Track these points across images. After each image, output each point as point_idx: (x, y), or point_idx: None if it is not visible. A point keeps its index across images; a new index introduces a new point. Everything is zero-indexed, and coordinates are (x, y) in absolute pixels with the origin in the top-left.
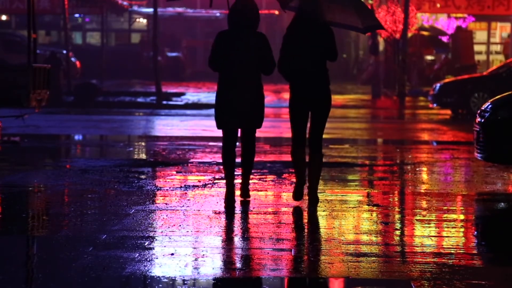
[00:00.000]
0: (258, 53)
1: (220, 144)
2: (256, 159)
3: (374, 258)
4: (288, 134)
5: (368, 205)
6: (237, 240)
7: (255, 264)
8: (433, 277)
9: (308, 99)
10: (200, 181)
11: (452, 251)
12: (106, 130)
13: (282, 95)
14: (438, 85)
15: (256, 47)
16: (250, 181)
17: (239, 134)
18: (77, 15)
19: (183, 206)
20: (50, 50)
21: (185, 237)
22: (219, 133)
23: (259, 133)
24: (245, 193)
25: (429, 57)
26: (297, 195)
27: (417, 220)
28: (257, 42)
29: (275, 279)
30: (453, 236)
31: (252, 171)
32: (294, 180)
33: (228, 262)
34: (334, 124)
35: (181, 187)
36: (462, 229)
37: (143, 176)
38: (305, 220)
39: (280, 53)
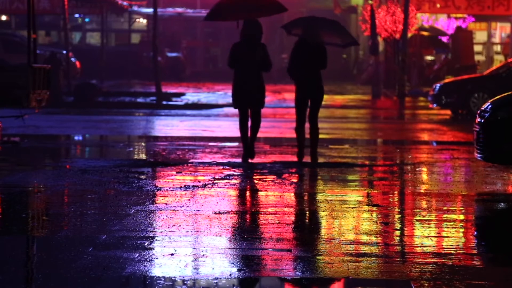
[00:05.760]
0: (260, 58)
1: (220, 144)
2: (256, 159)
3: (374, 258)
4: (288, 134)
5: (368, 205)
6: (237, 240)
7: (255, 264)
8: (433, 277)
9: (309, 91)
10: (200, 181)
11: (452, 251)
12: (106, 130)
13: (282, 95)
14: (438, 85)
15: (259, 54)
16: (250, 181)
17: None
18: (77, 15)
19: (183, 206)
20: (50, 50)
21: (185, 237)
22: (218, 133)
23: (260, 133)
24: (251, 153)
25: (429, 57)
26: (300, 157)
27: (417, 220)
28: (260, 50)
29: (275, 279)
30: (453, 236)
31: (252, 171)
32: (296, 149)
33: (228, 262)
34: (334, 124)
35: (181, 187)
36: (462, 229)
37: (143, 176)
38: (305, 220)
39: (289, 63)
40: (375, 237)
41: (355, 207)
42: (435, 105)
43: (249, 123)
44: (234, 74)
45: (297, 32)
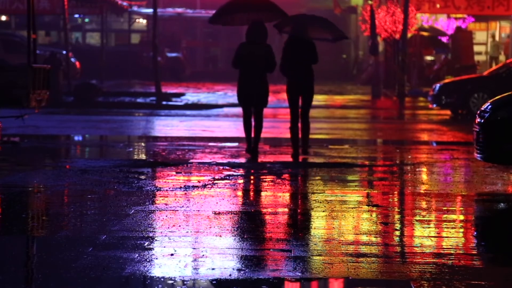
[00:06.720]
0: (265, 58)
1: (220, 144)
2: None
3: (373, 258)
4: (288, 134)
5: (368, 205)
6: (237, 241)
7: (255, 264)
8: (432, 277)
9: (299, 89)
10: (199, 182)
11: (452, 252)
12: (105, 131)
13: (282, 95)
14: (437, 85)
15: (264, 54)
16: (250, 181)
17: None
18: (77, 15)
19: (182, 206)
20: (50, 51)
21: (184, 237)
22: (218, 133)
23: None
24: (255, 155)
25: (429, 58)
26: (295, 157)
27: (416, 220)
28: (265, 51)
29: (275, 279)
30: (453, 237)
31: (252, 171)
32: (291, 149)
33: (227, 262)
34: (334, 124)
35: (180, 187)
36: (462, 230)
37: (142, 177)
38: (305, 220)
39: (281, 59)
40: (375, 237)
41: (355, 207)
42: (435, 105)
43: (253, 123)
44: (239, 74)
45: (287, 30)
